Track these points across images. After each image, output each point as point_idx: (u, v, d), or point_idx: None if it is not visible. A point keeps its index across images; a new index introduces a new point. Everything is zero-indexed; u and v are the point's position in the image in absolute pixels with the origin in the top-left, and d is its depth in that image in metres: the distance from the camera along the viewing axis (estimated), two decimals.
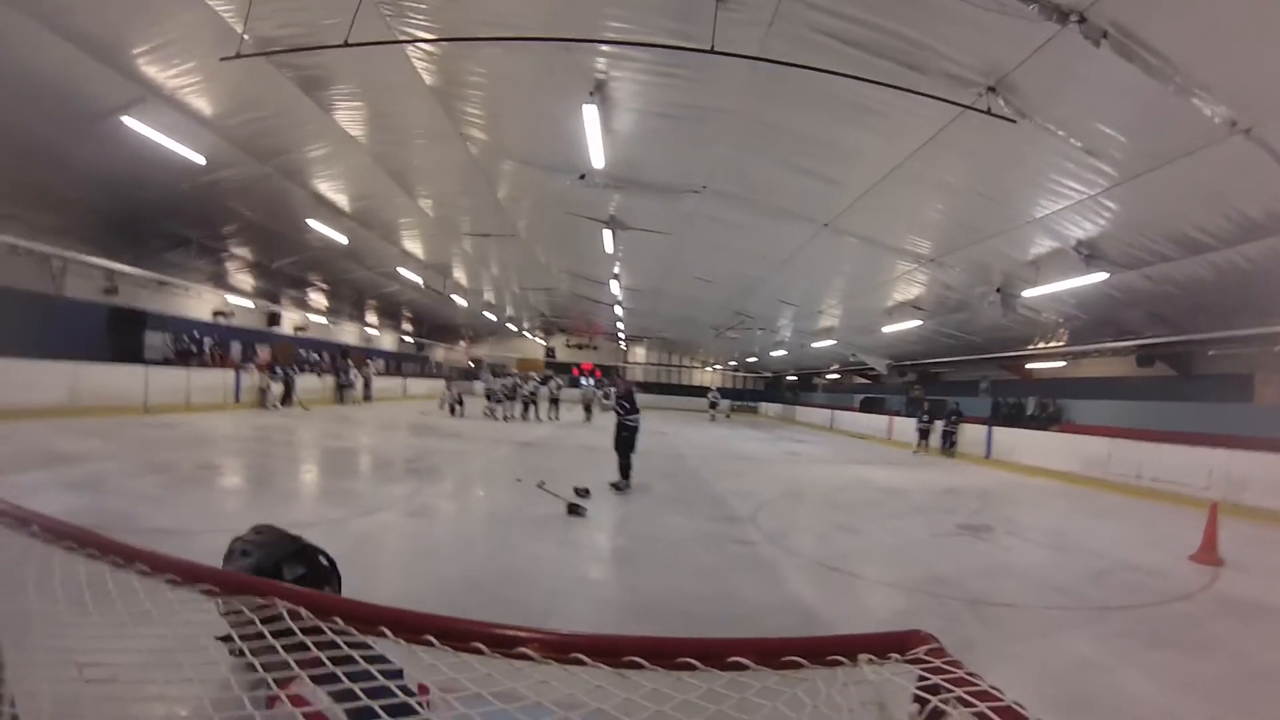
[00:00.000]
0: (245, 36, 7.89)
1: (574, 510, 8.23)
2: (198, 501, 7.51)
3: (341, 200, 15.91)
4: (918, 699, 0.84)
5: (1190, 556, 7.52)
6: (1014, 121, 7.61)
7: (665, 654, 0.87)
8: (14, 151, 11.49)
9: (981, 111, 7.49)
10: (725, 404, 39.20)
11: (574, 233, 17.92)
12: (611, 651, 0.89)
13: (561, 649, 0.90)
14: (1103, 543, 8.38)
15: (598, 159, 10.33)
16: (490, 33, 7.79)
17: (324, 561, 1.58)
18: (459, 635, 0.93)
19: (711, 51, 6.56)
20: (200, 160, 11.51)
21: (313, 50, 7.99)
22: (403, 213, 17.52)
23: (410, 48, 8.86)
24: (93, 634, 1.10)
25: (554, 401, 26.80)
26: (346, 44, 7.14)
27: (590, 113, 8.87)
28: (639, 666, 0.86)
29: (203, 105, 10.72)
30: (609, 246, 17.20)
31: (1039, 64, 6.95)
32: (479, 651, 0.90)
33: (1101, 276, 11.33)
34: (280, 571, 1.47)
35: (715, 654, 0.87)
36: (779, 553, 7.13)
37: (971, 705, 0.79)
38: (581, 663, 0.88)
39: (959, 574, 6.56)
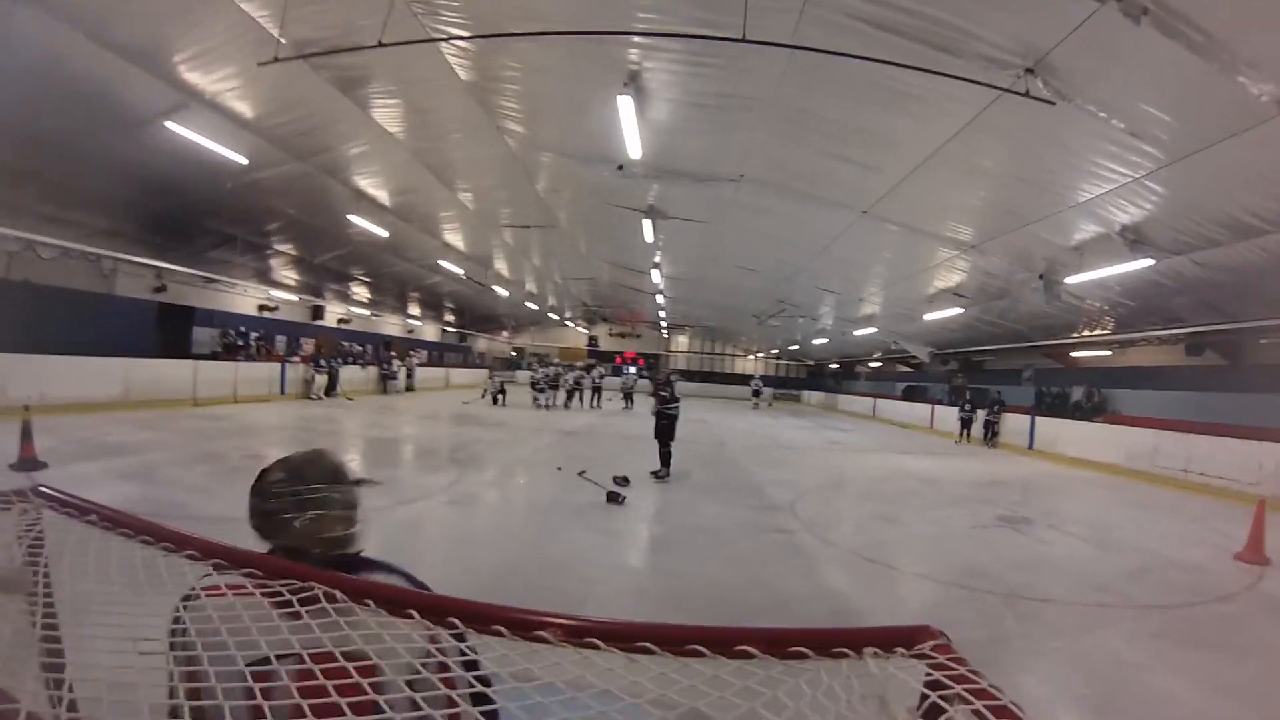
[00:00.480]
0: (281, 40, 8.07)
1: (613, 498, 8.33)
2: (246, 491, 7.71)
3: (382, 195, 16.18)
4: (924, 696, 0.86)
5: (1235, 555, 7.31)
6: (1053, 104, 7.42)
7: (674, 640, 0.91)
8: (65, 159, 11.99)
9: (1020, 94, 7.32)
10: (768, 392, 38.86)
11: (614, 223, 18.02)
12: (624, 637, 0.93)
13: (576, 633, 0.95)
14: (1145, 538, 8.20)
15: (635, 149, 10.34)
16: (522, 26, 7.83)
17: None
18: (481, 618, 0.98)
19: (743, 40, 6.52)
20: (242, 161, 11.82)
21: (348, 52, 8.14)
22: (443, 206, 17.74)
23: (444, 44, 8.95)
24: (147, 613, 1.18)
25: (596, 390, 27.07)
26: (380, 44, 7.25)
27: (625, 104, 8.88)
28: (649, 652, 0.90)
29: (243, 108, 11.01)
30: (649, 236, 17.23)
31: (1078, 44, 6.76)
32: (499, 634, 0.95)
33: (1148, 262, 11.00)
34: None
35: (723, 641, 0.91)
36: (816, 542, 7.13)
37: (970, 703, 0.81)
38: (595, 647, 0.92)
39: (997, 567, 6.49)
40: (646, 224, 16.14)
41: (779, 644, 0.91)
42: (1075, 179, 9.84)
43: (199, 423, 13.01)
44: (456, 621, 0.99)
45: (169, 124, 10.38)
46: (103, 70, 9.39)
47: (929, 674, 0.88)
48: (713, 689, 0.85)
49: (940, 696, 0.85)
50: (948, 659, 0.91)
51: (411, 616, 1.01)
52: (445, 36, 8.59)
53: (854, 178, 11.57)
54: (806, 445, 18.08)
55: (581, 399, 25.82)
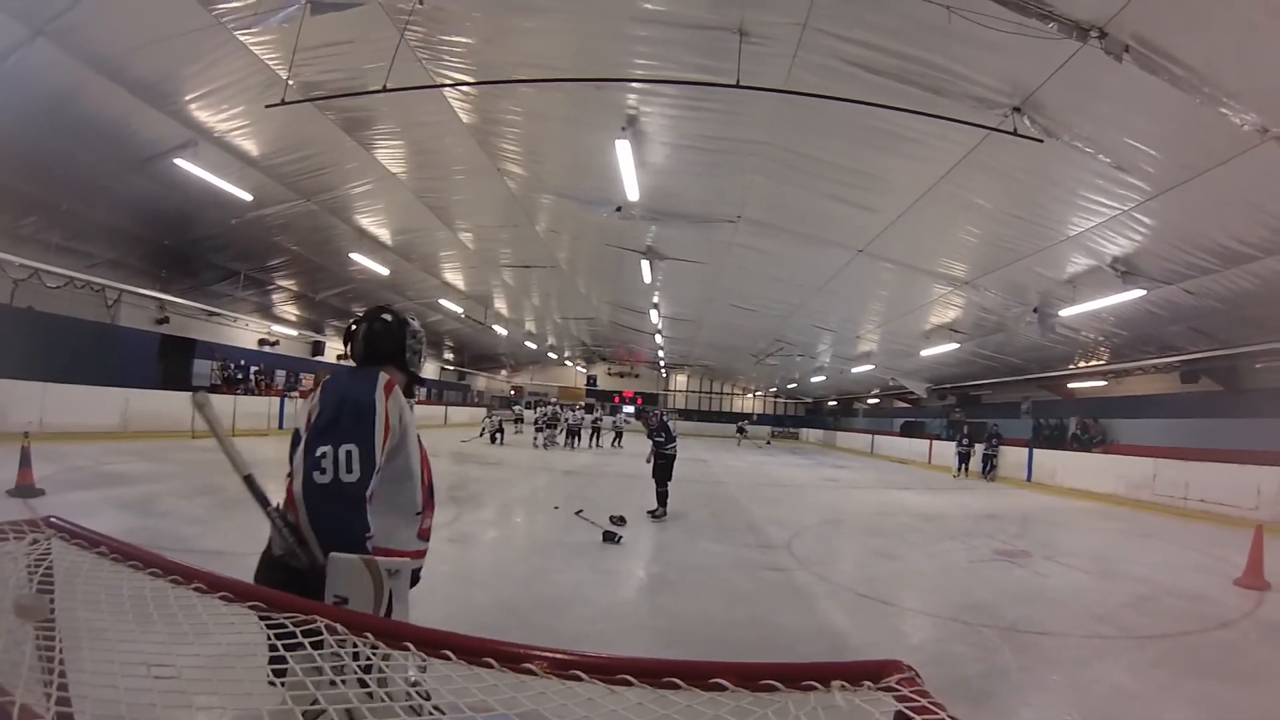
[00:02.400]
0: (290, 82, 8.27)
1: (609, 538, 8.32)
2: (244, 524, 7.72)
3: (384, 234, 16.37)
4: None
5: (1235, 581, 7.31)
6: (1041, 141, 7.61)
7: (653, 673, 0.98)
8: (74, 189, 12.20)
9: (1008, 133, 7.51)
10: (764, 430, 40.71)
11: (613, 263, 18.19)
12: (606, 670, 1.00)
13: (562, 666, 1.02)
14: (1144, 567, 8.18)
15: (633, 191, 10.52)
16: (523, 73, 8.06)
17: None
18: (472, 651, 1.06)
19: (737, 86, 6.70)
20: (247, 197, 12.03)
21: (353, 95, 8.34)
22: (444, 246, 17.92)
23: (447, 89, 9.16)
24: (155, 643, 1.24)
25: (596, 430, 27.41)
26: (385, 89, 7.44)
27: (623, 147, 9.07)
28: (628, 683, 0.97)
29: (250, 146, 11.23)
30: (647, 276, 17.40)
31: (1063, 82, 6.98)
32: (489, 665, 1.02)
33: (1139, 293, 11.16)
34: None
35: (698, 674, 0.97)
36: (813, 580, 7.10)
37: None
38: (579, 679, 0.99)
39: (995, 601, 6.46)
40: (645, 265, 16.31)
41: (751, 677, 0.98)
42: (1065, 213, 10.00)
43: (197, 455, 12.98)
44: (450, 654, 1.06)
45: (178, 160, 10.61)
46: (116, 106, 9.63)
47: (900, 712, 0.92)
48: (686, 718, 0.91)
49: None
50: (913, 692, 0.96)
51: (408, 648, 1.08)
52: (449, 83, 8.81)
53: (849, 217, 11.74)
54: (804, 483, 18.03)
55: (579, 439, 26.03)
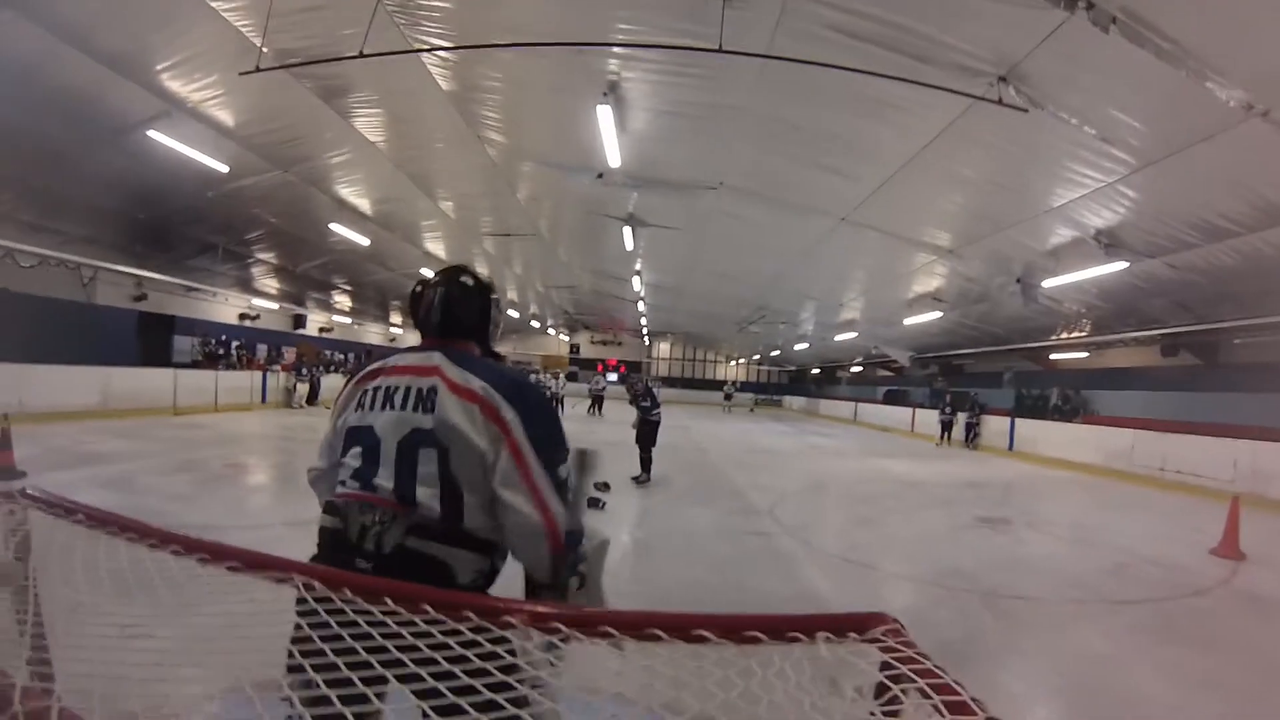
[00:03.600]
0: (264, 49, 8.08)
1: (593, 504, 8.35)
2: (227, 499, 7.72)
3: (363, 204, 16.15)
4: (882, 683, 0.91)
5: (1211, 550, 7.45)
6: (1026, 111, 7.57)
7: (635, 625, 0.97)
8: (45, 165, 11.89)
9: (993, 102, 7.46)
10: (748, 397, 41.45)
11: (595, 231, 18.10)
12: (588, 623, 1.00)
13: (543, 619, 1.02)
14: (1122, 536, 8.31)
15: (614, 158, 10.41)
16: (503, 38, 7.89)
17: None
18: (449, 605, 1.05)
19: (719, 51, 6.61)
20: (224, 169, 11.80)
21: (330, 62, 8.17)
22: (424, 215, 17.71)
23: (426, 55, 8.99)
24: (134, 607, 1.23)
25: (602, 400, 27.61)
26: (362, 54, 7.29)
27: (605, 113, 8.96)
28: (609, 635, 0.96)
29: (225, 116, 10.98)
30: (629, 244, 17.31)
31: (1049, 52, 6.90)
32: (468, 619, 1.02)
33: (1122, 265, 11.23)
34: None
35: (681, 626, 0.97)
36: (796, 545, 7.18)
37: (916, 681, 0.86)
38: (559, 631, 0.99)
39: (975, 567, 6.56)
40: (627, 232, 16.23)
41: (734, 629, 0.97)
42: (1049, 184, 10.01)
43: (179, 431, 12.92)
44: (429, 608, 1.05)
45: (151, 132, 10.34)
46: (85, 77, 9.34)
47: (885, 662, 0.92)
48: (668, 669, 0.90)
49: (889, 677, 0.91)
50: (899, 642, 0.96)
51: (386, 604, 1.07)
52: (427, 47, 8.62)
53: (832, 185, 11.69)
54: (787, 450, 18.18)
55: (563, 406, 25.75)
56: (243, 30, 8.45)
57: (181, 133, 10.57)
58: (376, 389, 1.72)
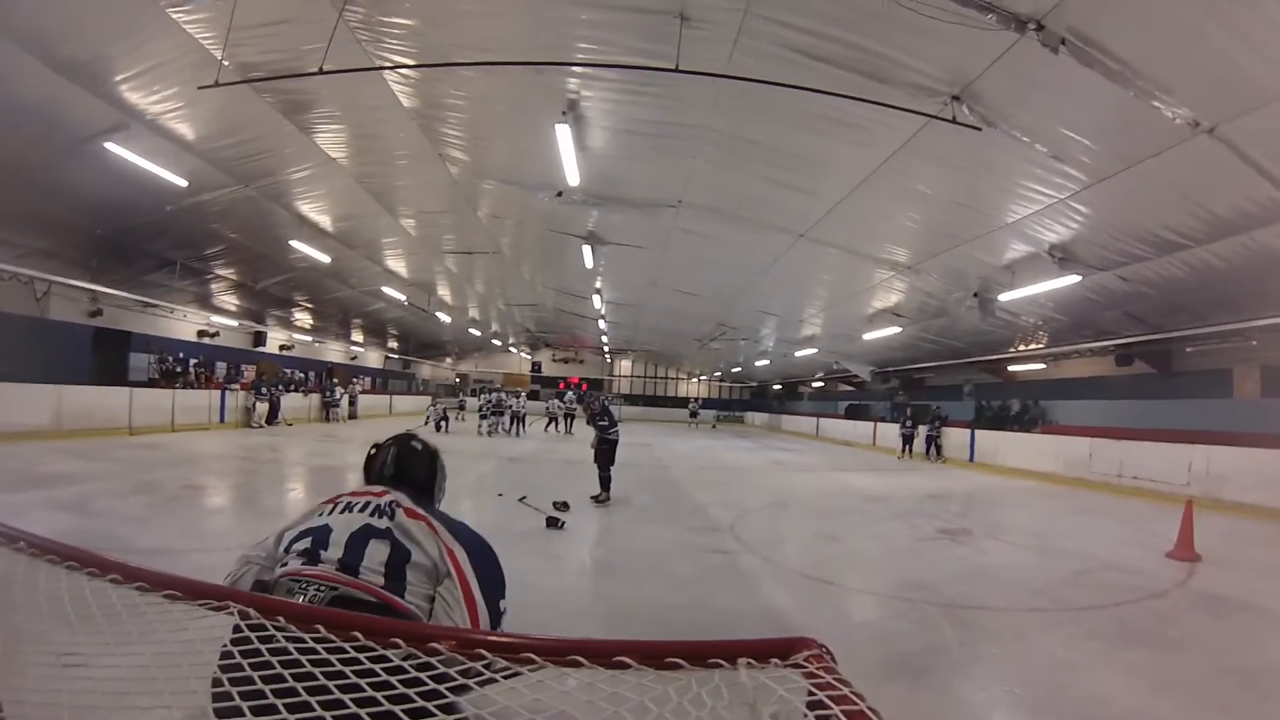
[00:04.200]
0: (225, 63, 7.99)
1: (552, 523, 8.32)
2: (184, 521, 7.54)
3: (325, 221, 16.01)
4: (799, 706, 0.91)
5: (1167, 554, 7.62)
6: (979, 129, 7.77)
7: (556, 652, 0.97)
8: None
9: (947, 120, 7.65)
10: (710, 414, 43.02)
11: (556, 249, 18.13)
12: (510, 649, 1.00)
13: (469, 645, 1.02)
14: (1081, 543, 8.46)
15: (574, 176, 10.45)
16: (464, 56, 7.91)
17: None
18: (380, 632, 1.06)
19: (677, 70, 6.68)
20: (183, 183, 11.60)
21: (291, 78, 8.10)
22: (386, 232, 17.62)
23: (388, 72, 8.96)
24: (73, 636, 1.22)
25: (557, 418, 27.66)
26: (322, 71, 7.25)
27: (564, 132, 9.00)
28: (531, 661, 0.96)
29: (185, 130, 10.83)
30: (590, 262, 17.36)
31: (1001, 72, 7.13)
32: (396, 646, 1.02)
33: (1075, 279, 11.51)
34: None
35: (602, 653, 0.97)
36: (758, 562, 7.18)
37: (828, 709, 0.87)
38: (481, 657, 0.99)
39: (937, 579, 6.62)
40: (587, 250, 16.28)
41: (655, 655, 0.97)
42: (1004, 201, 10.27)
43: (135, 452, 12.60)
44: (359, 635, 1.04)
45: (108, 144, 10.15)
46: (43, 87, 9.16)
47: (811, 693, 0.92)
48: (582, 694, 0.90)
49: (809, 703, 0.90)
50: (820, 668, 0.96)
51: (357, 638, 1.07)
52: (389, 65, 8.61)
53: (791, 202, 11.88)
54: (749, 466, 18.22)
55: (524, 425, 25.87)
56: (203, 43, 8.38)
57: (140, 145, 10.39)
58: (336, 503, 1.87)
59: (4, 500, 7.53)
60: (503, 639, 1.03)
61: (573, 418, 27.97)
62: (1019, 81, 7.26)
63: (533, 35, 7.81)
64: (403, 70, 8.88)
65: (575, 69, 8.30)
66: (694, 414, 41.50)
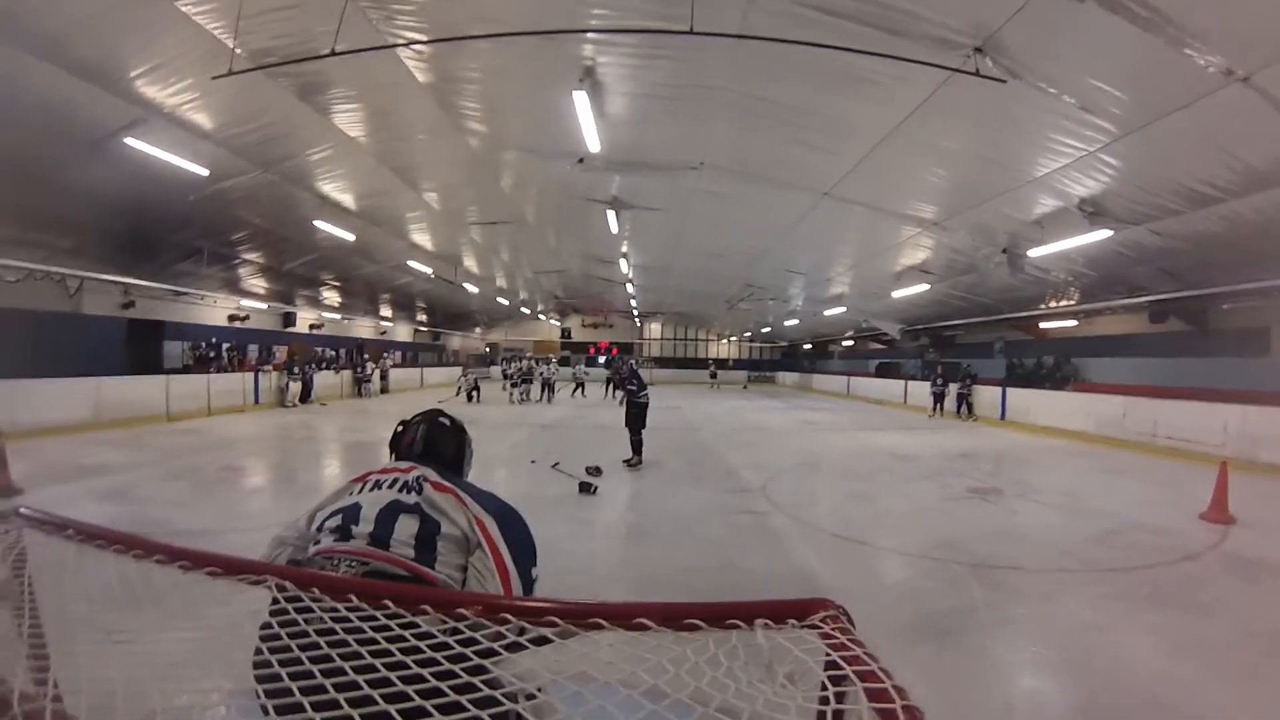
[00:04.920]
0: (237, 51, 8.00)
1: (585, 489, 8.42)
2: (224, 503, 7.76)
3: (347, 200, 16.08)
4: (826, 679, 0.90)
5: (1201, 515, 7.51)
6: (1004, 81, 7.56)
7: (578, 615, 1.01)
8: (23, 181, 11.81)
9: (970, 73, 7.45)
10: (741, 374, 44.17)
11: (580, 215, 18.10)
12: (534, 613, 1.03)
13: (494, 611, 1.05)
14: (1113, 503, 8.37)
15: (593, 143, 10.37)
16: (477, 29, 7.84)
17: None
18: (410, 599, 1.10)
19: (690, 33, 6.58)
20: (204, 172, 11.67)
21: (303, 61, 8.11)
22: (409, 207, 17.67)
23: (402, 48, 8.93)
24: (128, 622, 1.27)
25: (580, 384, 28.94)
26: (334, 53, 7.23)
27: (581, 99, 8.92)
28: (554, 624, 0.99)
29: (202, 120, 10.90)
30: (614, 227, 17.32)
31: (1024, 21, 6.89)
32: (424, 612, 1.07)
33: (1106, 234, 11.24)
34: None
35: (623, 615, 1.00)
36: (788, 522, 7.25)
37: (841, 670, 0.88)
38: (507, 621, 1.03)
39: (966, 538, 6.63)
40: (611, 215, 16.23)
41: (674, 617, 1.00)
42: (1031, 154, 10.01)
43: (174, 438, 12.91)
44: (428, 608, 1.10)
45: (128, 140, 10.23)
46: (58, 89, 9.24)
47: (828, 654, 0.93)
48: (605, 656, 0.94)
49: (825, 663, 0.92)
50: (835, 629, 0.97)
51: (387, 606, 1.11)
52: (401, 42, 8.56)
53: (813, 161, 11.70)
54: (780, 427, 18.26)
55: (553, 392, 26.51)
56: (214, 33, 8.38)
57: (159, 139, 10.46)
58: (365, 481, 1.90)
59: (51, 492, 7.77)
60: (526, 603, 1.07)
61: (583, 385, 29.13)
62: (1044, 31, 7.02)
63: (545, 3, 7.73)
64: (416, 46, 8.84)
65: (589, 35, 8.21)
66: (714, 375, 42.03)
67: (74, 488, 8.18)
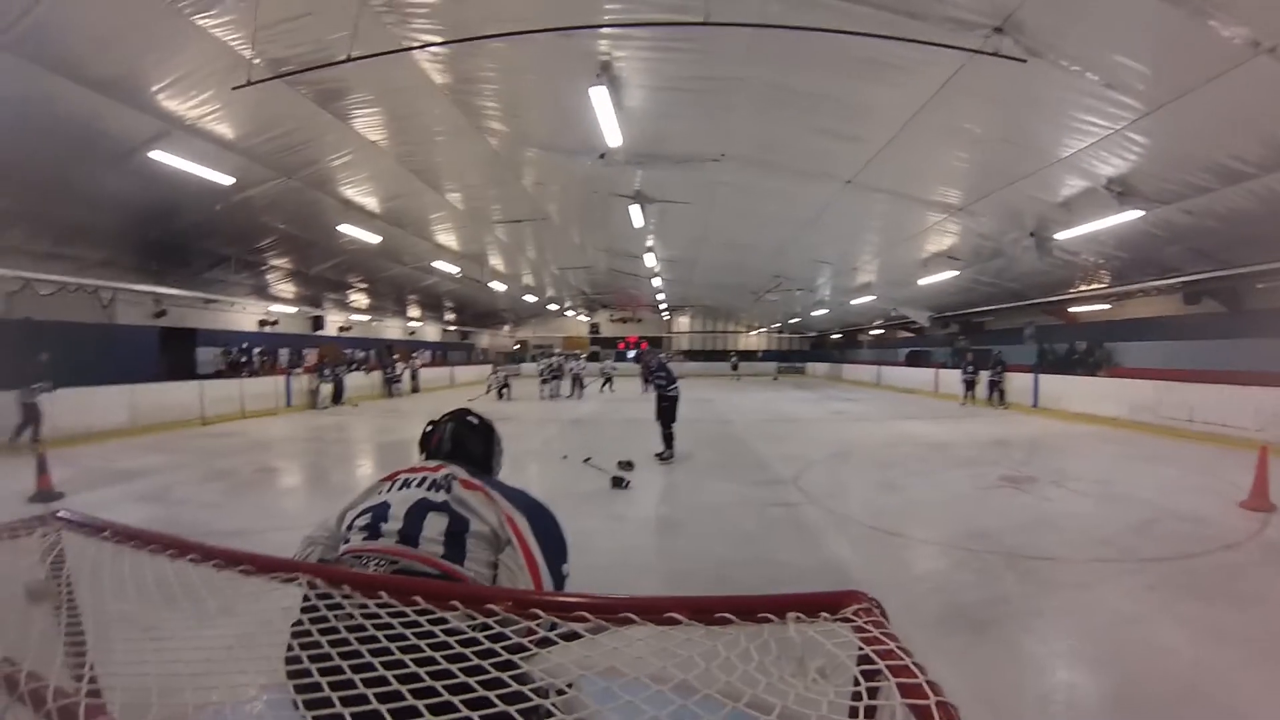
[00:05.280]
0: (255, 61, 8.09)
1: (617, 483, 8.43)
2: (259, 504, 7.90)
3: (371, 203, 16.24)
4: (857, 674, 0.90)
5: (1240, 503, 7.29)
6: (1024, 61, 7.41)
7: (608, 610, 1.00)
8: (54, 196, 12.16)
9: (990, 54, 7.33)
10: (770, 366, 44.88)
11: (604, 211, 18.08)
12: (563, 608, 1.03)
13: (524, 606, 1.05)
14: (1149, 491, 8.18)
15: (614, 138, 10.35)
16: (492, 28, 7.86)
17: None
18: (439, 595, 1.11)
19: (705, 24, 6.54)
20: (229, 181, 11.86)
21: (320, 68, 8.19)
22: (433, 208, 17.78)
23: (418, 51, 8.98)
24: (158, 612, 1.32)
25: (611, 378, 29.22)
26: (350, 58, 7.30)
27: (599, 94, 8.91)
28: (584, 619, 0.99)
29: (225, 130, 11.07)
30: (638, 221, 17.26)
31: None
32: (454, 608, 1.08)
33: (1136, 214, 10.99)
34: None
35: (653, 610, 0.99)
36: (820, 514, 7.21)
37: (874, 664, 0.88)
38: (537, 616, 1.03)
39: (999, 528, 6.55)
40: (634, 209, 16.19)
41: (705, 611, 0.99)
42: (1056, 134, 9.81)
43: (209, 441, 13.14)
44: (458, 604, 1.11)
45: (153, 153, 10.41)
46: (83, 107, 9.45)
47: (860, 648, 0.93)
48: (635, 652, 0.93)
49: (857, 657, 0.92)
50: (869, 622, 0.97)
51: (417, 602, 1.12)
52: (416, 45, 8.61)
53: (836, 149, 11.59)
54: (811, 417, 18.17)
55: (583, 387, 26.64)
56: (232, 45, 8.50)
57: (183, 150, 10.65)
58: (394, 480, 1.92)
59: (90, 497, 7.95)
60: (556, 598, 1.07)
61: (610, 379, 29.37)
62: (1063, 7, 6.89)
63: (559, 1, 7.73)
64: (431, 48, 8.89)
65: (605, 30, 8.19)
66: (735, 366, 42.36)
67: (113, 491, 8.38)
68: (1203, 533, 6.35)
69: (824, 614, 1.01)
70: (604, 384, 28.89)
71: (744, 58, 8.78)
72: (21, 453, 10.84)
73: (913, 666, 0.84)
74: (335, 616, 1.16)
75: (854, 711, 0.84)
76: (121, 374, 14.62)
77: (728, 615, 0.99)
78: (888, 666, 0.85)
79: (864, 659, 0.91)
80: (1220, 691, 3.45)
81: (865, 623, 0.97)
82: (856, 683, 0.87)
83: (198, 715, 1.09)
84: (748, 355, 45.57)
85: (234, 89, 8.21)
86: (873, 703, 0.85)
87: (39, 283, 13.81)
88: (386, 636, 1.08)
